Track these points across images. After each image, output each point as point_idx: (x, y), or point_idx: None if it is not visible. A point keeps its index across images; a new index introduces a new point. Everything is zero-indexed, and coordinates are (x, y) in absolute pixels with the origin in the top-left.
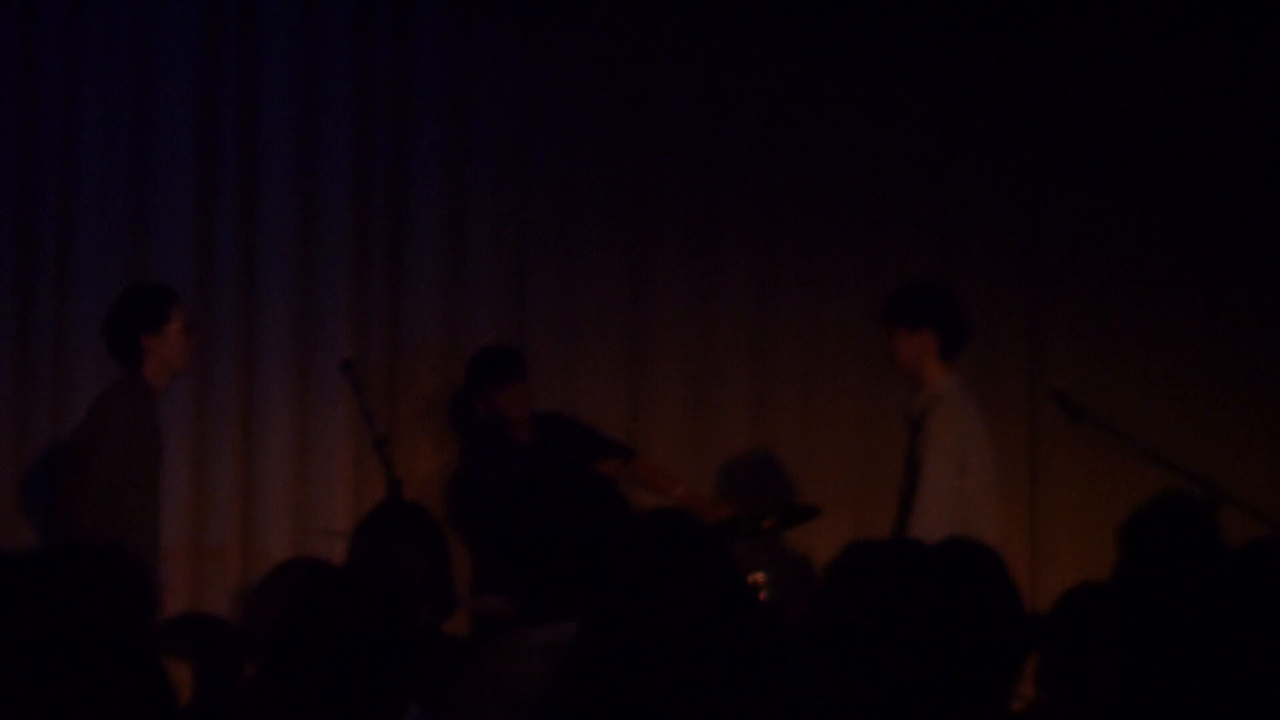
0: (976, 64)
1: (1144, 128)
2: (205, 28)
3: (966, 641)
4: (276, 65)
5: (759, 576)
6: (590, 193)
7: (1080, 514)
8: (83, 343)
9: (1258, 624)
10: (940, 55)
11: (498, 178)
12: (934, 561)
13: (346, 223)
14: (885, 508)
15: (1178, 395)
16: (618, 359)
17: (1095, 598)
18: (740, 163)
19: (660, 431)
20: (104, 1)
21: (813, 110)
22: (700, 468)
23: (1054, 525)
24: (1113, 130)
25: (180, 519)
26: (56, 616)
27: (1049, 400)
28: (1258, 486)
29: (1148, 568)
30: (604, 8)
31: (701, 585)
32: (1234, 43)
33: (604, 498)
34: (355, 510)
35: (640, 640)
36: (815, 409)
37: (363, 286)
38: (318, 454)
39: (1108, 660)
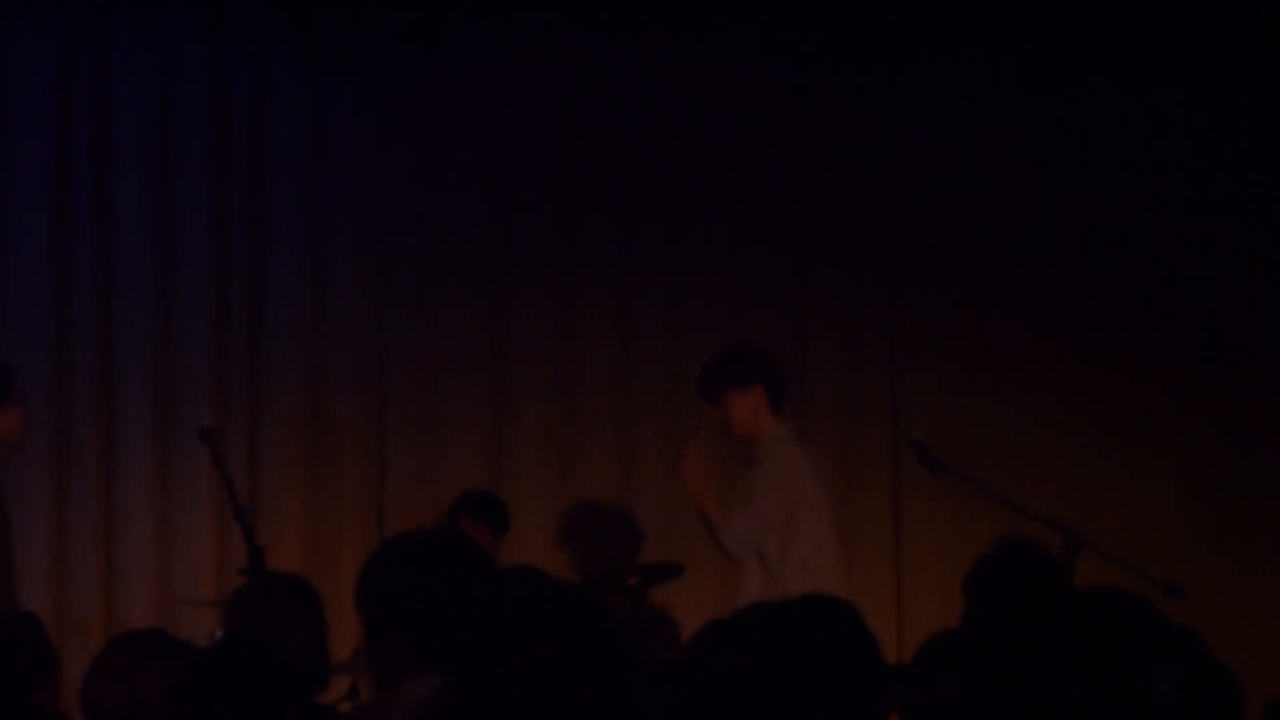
0: (832, 118)
1: (991, 183)
2: (59, 108)
3: (829, 698)
4: (132, 143)
5: None
6: (449, 260)
7: (945, 563)
8: None
9: (1099, 670)
10: (794, 109)
11: (356, 246)
12: (792, 620)
13: (204, 293)
14: None
15: (1037, 443)
16: (481, 424)
17: (951, 647)
18: (597, 224)
19: (525, 493)
20: None
21: (667, 173)
22: (566, 527)
23: (919, 575)
24: (963, 187)
25: (41, 591)
26: None
27: (909, 451)
28: (1116, 532)
29: (994, 615)
30: (458, 77)
31: (570, 639)
32: (1094, 108)
33: (464, 552)
34: (218, 580)
35: (507, 695)
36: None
37: (222, 355)
38: (179, 523)
39: (962, 709)
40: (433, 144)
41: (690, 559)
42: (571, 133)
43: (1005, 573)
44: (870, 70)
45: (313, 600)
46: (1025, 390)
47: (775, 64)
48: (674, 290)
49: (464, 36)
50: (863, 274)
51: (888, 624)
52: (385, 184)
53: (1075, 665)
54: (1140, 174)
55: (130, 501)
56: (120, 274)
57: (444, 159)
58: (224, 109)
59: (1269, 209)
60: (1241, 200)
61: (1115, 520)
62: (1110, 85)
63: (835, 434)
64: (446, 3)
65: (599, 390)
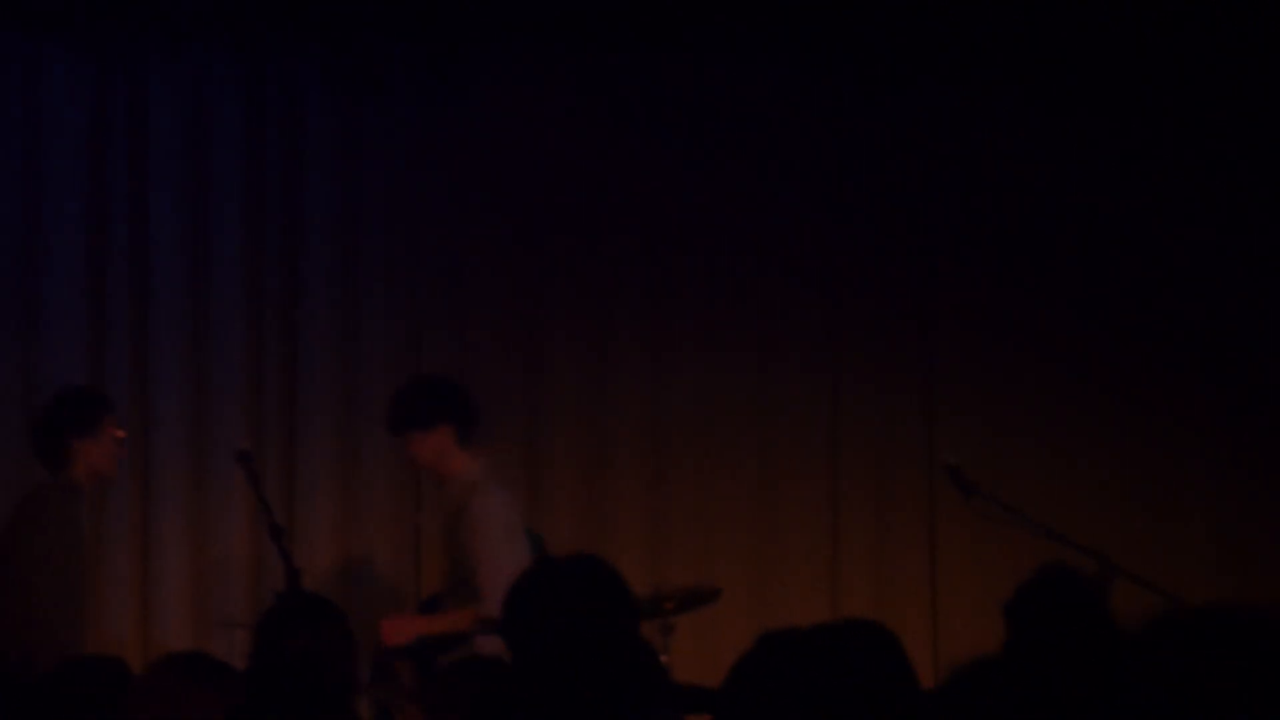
0: (871, 147)
1: (1028, 208)
2: (94, 135)
3: None
4: (167, 169)
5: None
6: (483, 282)
7: (979, 588)
8: None
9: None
10: (832, 137)
11: (390, 269)
12: (829, 644)
13: (239, 316)
14: (784, 588)
15: (1071, 470)
16: (515, 447)
17: (987, 673)
18: (632, 249)
19: (559, 515)
20: None
21: (702, 199)
22: (599, 550)
23: (954, 600)
24: (999, 215)
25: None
26: None
27: (944, 477)
28: (1150, 559)
29: (1035, 643)
30: (492, 100)
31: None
32: (1106, 138)
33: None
34: (254, 601)
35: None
36: (712, 491)
37: (257, 378)
38: (215, 545)
39: None
40: (465, 167)
41: (724, 582)
42: (605, 157)
43: (1048, 600)
44: (909, 100)
45: (341, 622)
46: (1060, 417)
47: (818, 93)
48: (707, 316)
49: (499, 57)
50: (898, 300)
51: (923, 649)
52: (418, 207)
53: (1122, 696)
54: (1185, 209)
55: (166, 524)
56: (156, 301)
57: (476, 181)
58: (258, 133)
59: None
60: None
61: (1149, 547)
62: (1162, 121)
63: (871, 459)
64: (478, 24)
65: (631, 414)
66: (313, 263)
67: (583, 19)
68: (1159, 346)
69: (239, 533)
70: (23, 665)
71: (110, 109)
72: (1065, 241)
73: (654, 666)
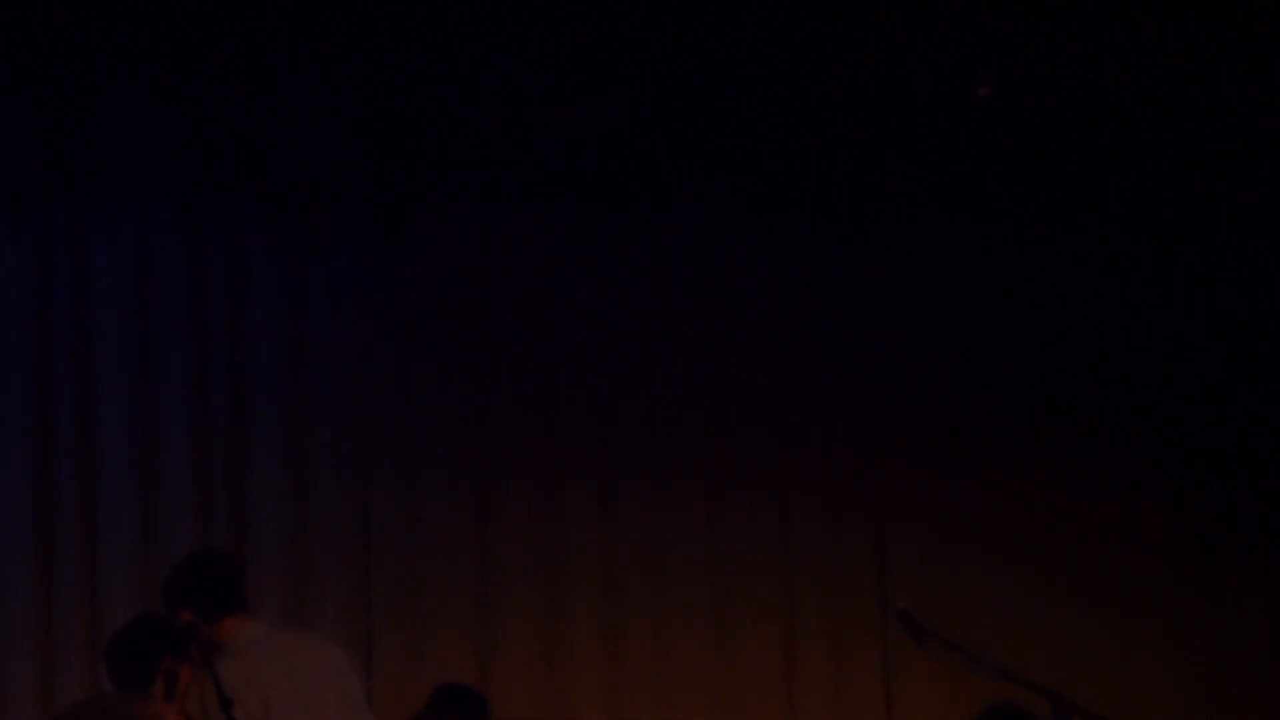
0: (814, 289)
1: (974, 351)
2: (36, 307)
3: None
4: (111, 337)
5: None
6: (432, 445)
7: None
8: None
9: None
10: (775, 280)
11: (338, 433)
12: None
13: (187, 481)
14: None
15: (1025, 609)
16: (467, 604)
17: None
18: (578, 402)
19: (513, 671)
20: None
21: (647, 349)
22: (554, 709)
23: None
24: (946, 354)
25: None
26: None
27: (897, 621)
28: (1105, 697)
29: None
30: (435, 259)
31: None
32: (1082, 269)
33: None
34: None
35: None
36: (667, 645)
37: (205, 538)
38: None
39: None
40: (411, 327)
41: None
42: (551, 312)
43: None
44: (850, 242)
45: None
46: (1012, 556)
47: (756, 235)
48: (657, 468)
49: (443, 216)
50: (847, 443)
51: None
52: (365, 366)
53: None
54: (1135, 341)
55: None
56: (102, 473)
57: (423, 338)
58: (202, 300)
59: (1254, 386)
60: (1229, 367)
61: (1105, 686)
62: (1099, 240)
63: (823, 603)
64: (423, 184)
65: (584, 568)
66: (260, 430)
67: (525, 178)
68: (1113, 480)
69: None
70: None
71: (53, 278)
72: (1014, 379)
73: None
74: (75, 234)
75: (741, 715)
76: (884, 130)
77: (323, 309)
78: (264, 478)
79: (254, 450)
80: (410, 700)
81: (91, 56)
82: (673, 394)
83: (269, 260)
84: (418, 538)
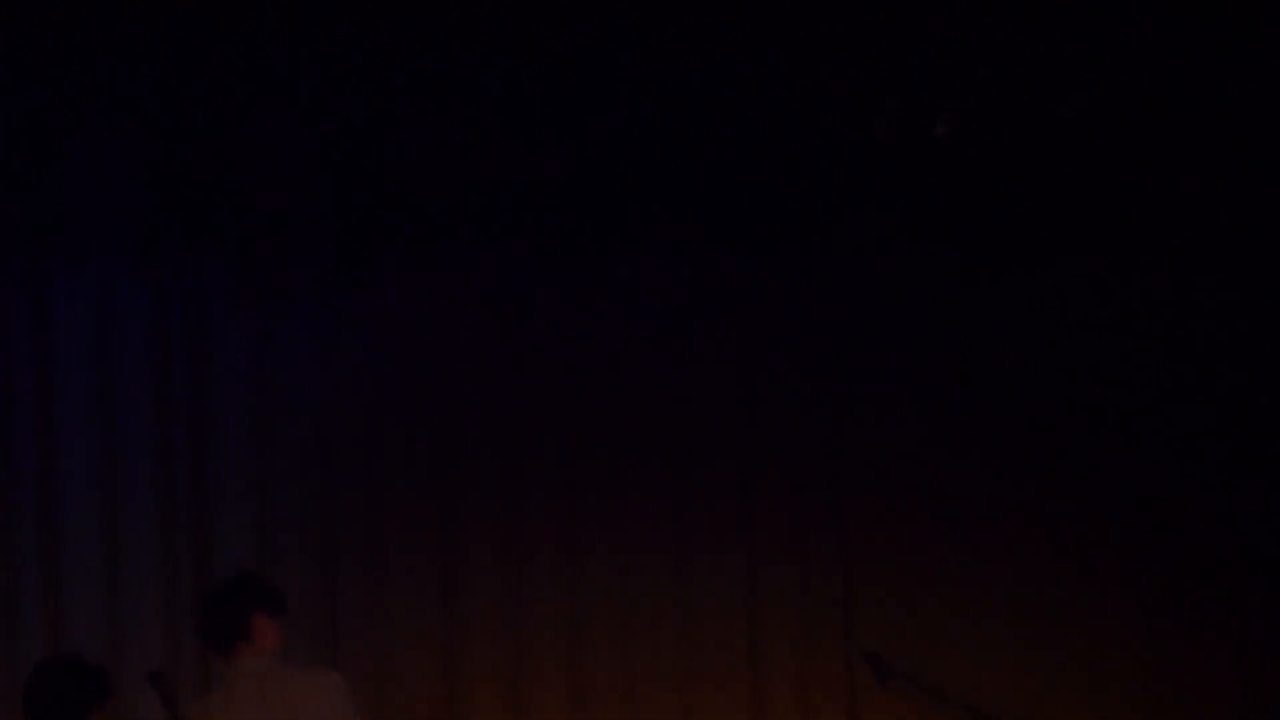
0: (776, 325)
1: (940, 386)
2: None
3: None
4: (73, 386)
5: None
6: (397, 495)
7: None
8: None
9: None
10: (737, 317)
11: (302, 482)
12: None
13: (150, 529)
14: None
15: (994, 646)
16: (432, 661)
17: None
18: (542, 447)
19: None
20: None
21: (610, 394)
22: None
23: None
24: (911, 390)
25: None
26: None
27: (863, 663)
28: None
29: None
30: (398, 306)
31: None
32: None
33: None
34: None
35: None
36: (633, 688)
37: (170, 593)
38: None
39: None
40: (374, 371)
41: None
42: (515, 358)
43: None
44: (813, 286)
45: None
46: (979, 596)
47: (720, 280)
48: (623, 510)
49: (403, 261)
50: (812, 485)
51: None
52: (329, 415)
53: None
54: (1091, 377)
55: None
56: (65, 524)
57: (386, 386)
58: (165, 346)
59: (1229, 420)
60: (1194, 406)
61: (1076, 717)
62: (1068, 276)
63: (790, 646)
64: (383, 228)
65: (549, 613)
66: (223, 479)
67: (487, 223)
68: (1079, 518)
69: None
70: None
71: (14, 325)
72: (978, 420)
73: None
74: (35, 282)
75: None
76: (844, 169)
77: (286, 355)
78: (229, 524)
79: (218, 501)
80: None
81: (52, 105)
82: (638, 436)
83: (232, 306)
84: (383, 581)
